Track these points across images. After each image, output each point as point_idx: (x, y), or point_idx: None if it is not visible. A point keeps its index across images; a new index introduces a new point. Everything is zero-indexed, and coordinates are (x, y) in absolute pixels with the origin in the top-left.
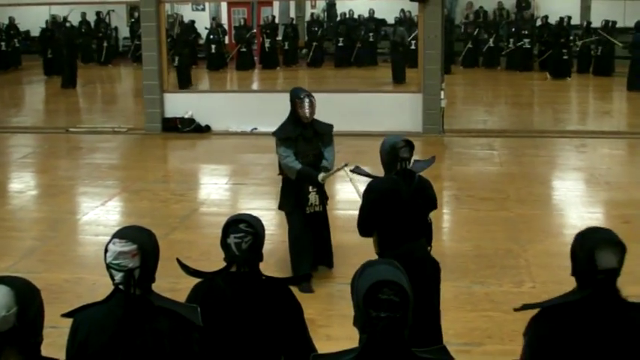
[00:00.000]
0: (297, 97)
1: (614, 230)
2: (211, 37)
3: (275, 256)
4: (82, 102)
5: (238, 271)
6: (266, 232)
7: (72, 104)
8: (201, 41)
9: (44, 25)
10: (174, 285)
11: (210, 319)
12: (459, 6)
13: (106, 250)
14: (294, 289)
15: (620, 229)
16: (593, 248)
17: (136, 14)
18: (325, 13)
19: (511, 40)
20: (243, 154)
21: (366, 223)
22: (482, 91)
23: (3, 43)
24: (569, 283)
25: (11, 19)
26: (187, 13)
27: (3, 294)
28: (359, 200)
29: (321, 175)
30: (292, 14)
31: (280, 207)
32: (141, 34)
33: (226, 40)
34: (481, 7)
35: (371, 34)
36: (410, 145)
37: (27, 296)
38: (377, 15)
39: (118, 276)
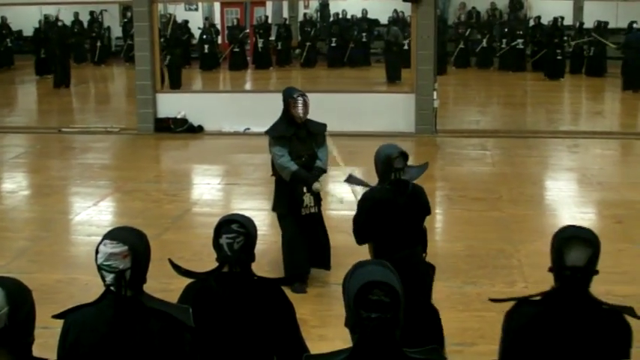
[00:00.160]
0: (290, 96)
1: (606, 230)
2: (204, 37)
3: (267, 257)
4: (74, 102)
5: (230, 272)
6: (258, 232)
7: (64, 104)
8: (194, 41)
9: (37, 25)
10: (167, 285)
11: (202, 319)
12: (451, 6)
13: (96, 252)
14: (288, 291)
15: (613, 229)
16: (561, 245)
17: (129, 14)
18: (318, 14)
19: (504, 41)
20: (236, 155)
21: (362, 231)
22: (475, 92)
23: None
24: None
25: (3, 19)
26: (180, 13)
27: None
28: (353, 200)
29: (316, 185)
30: (285, 14)
31: (274, 208)
32: (133, 34)
33: (219, 40)
34: (474, 8)
35: (364, 34)
36: (404, 156)
37: (18, 296)
38: (370, 15)
39: (109, 277)
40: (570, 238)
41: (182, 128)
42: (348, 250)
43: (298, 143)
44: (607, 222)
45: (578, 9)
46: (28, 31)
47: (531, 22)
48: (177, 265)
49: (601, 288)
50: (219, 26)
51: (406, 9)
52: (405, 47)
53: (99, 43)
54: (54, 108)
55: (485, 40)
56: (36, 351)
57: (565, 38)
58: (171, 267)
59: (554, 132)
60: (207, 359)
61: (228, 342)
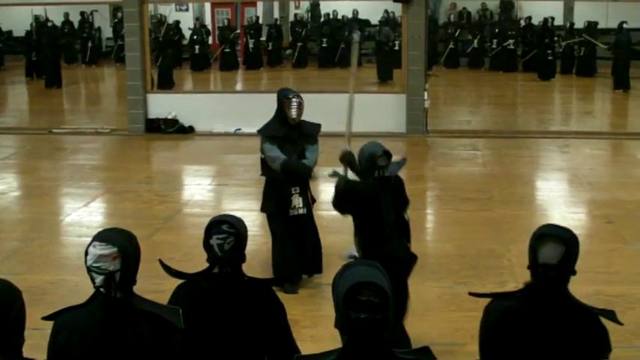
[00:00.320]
0: (285, 97)
1: (597, 230)
2: (195, 37)
3: (258, 257)
4: (65, 103)
5: (221, 272)
6: (249, 233)
7: (55, 105)
8: (185, 42)
9: (28, 26)
10: (158, 286)
11: (192, 320)
12: (442, 7)
13: (86, 253)
14: (279, 291)
15: (603, 229)
16: (535, 243)
17: (119, 14)
18: (309, 14)
19: (495, 41)
20: (227, 155)
21: (340, 207)
22: (466, 92)
23: None
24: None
25: None
26: (171, 13)
27: None
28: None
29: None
30: (276, 15)
31: (262, 209)
32: (124, 35)
33: (210, 41)
34: (464, 9)
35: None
36: (388, 155)
37: (8, 297)
38: (361, 16)
39: (99, 279)
40: (543, 235)
41: (173, 129)
42: (338, 251)
43: (289, 145)
44: (598, 222)
45: (568, 9)
46: (19, 32)
47: (522, 23)
48: (167, 265)
49: (592, 288)
50: (209, 27)
51: (397, 9)
52: (396, 47)
53: (90, 44)
54: (44, 109)
55: (476, 41)
56: (26, 352)
57: (556, 39)
58: (161, 268)
59: (544, 132)
60: None
61: (219, 343)
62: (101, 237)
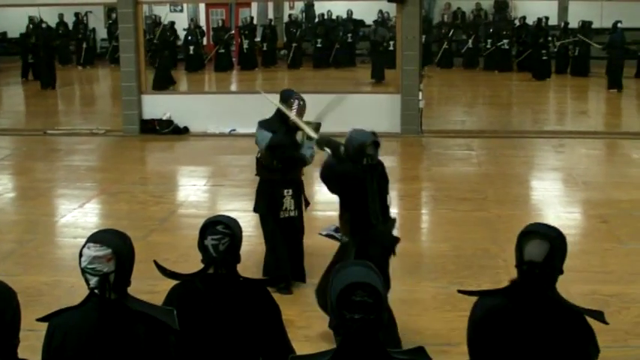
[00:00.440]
0: (289, 97)
1: (592, 230)
2: (189, 38)
3: (253, 258)
4: (60, 104)
5: (216, 273)
6: (244, 233)
7: (50, 106)
8: (179, 42)
9: (24, 28)
10: (153, 287)
11: (187, 321)
12: (437, 7)
13: (80, 255)
14: (274, 292)
15: (598, 228)
16: (521, 240)
17: (114, 15)
18: (303, 14)
19: (489, 41)
20: (222, 156)
21: (330, 186)
22: (461, 92)
23: None
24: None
25: None
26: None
27: None
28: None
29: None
30: (270, 15)
31: (255, 209)
32: (118, 36)
33: (204, 42)
34: (459, 9)
35: (349, 34)
36: (376, 144)
37: (3, 298)
38: (355, 16)
39: (93, 280)
40: (529, 233)
41: (167, 130)
42: (334, 251)
43: (287, 143)
44: (593, 221)
45: (562, 9)
46: (13, 33)
47: (516, 23)
48: (162, 266)
49: (587, 287)
50: (204, 27)
51: (391, 9)
52: (391, 48)
53: (84, 45)
54: (39, 110)
55: (470, 41)
56: (21, 353)
57: (550, 38)
58: (156, 269)
59: (539, 132)
60: None
61: (214, 343)
62: (95, 238)
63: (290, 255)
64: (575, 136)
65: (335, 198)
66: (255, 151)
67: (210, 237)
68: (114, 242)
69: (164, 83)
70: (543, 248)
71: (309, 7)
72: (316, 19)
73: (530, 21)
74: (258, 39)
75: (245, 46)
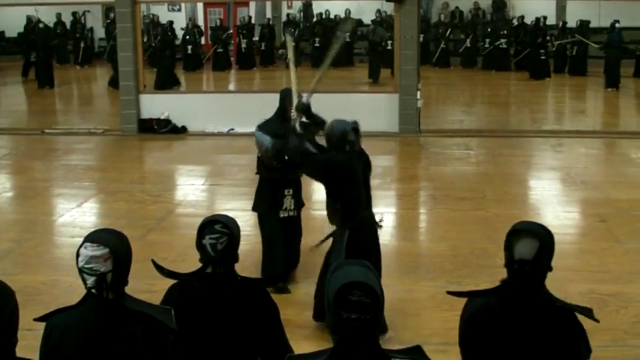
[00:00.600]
0: (288, 96)
1: (591, 229)
2: (187, 37)
3: (251, 257)
4: (57, 103)
5: (214, 272)
6: (242, 232)
7: (48, 105)
8: (178, 42)
9: (22, 28)
10: (151, 287)
11: (185, 320)
12: (434, 6)
13: (77, 255)
14: (272, 292)
15: (597, 228)
16: (510, 239)
17: (112, 15)
18: (301, 14)
19: (487, 41)
20: (220, 155)
21: (315, 174)
22: (459, 92)
23: None
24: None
25: None
26: (163, 13)
27: None
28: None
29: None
30: (268, 15)
31: (254, 208)
32: (116, 35)
33: (202, 41)
34: (457, 8)
35: (347, 34)
36: (356, 130)
37: (2, 297)
38: (353, 15)
39: (90, 280)
40: (518, 231)
41: (166, 129)
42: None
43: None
44: (591, 221)
45: (560, 8)
46: (11, 33)
47: (515, 22)
48: (160, 266)
49: (586, 287)
50: (202, 27)
51: (389, 9)
52: (389, 47)
53: (82, 44)
54: (37, 109)
55: (468, 40)
56: (19, 352)
57: (548, 38)
58: (154, 268)
59: (538, 131)
60: None
61: (212, 343)
62: (92, 238)
63: (290, 252)
64: (573, 135)
65: None
66: (255, 151)
67: (209, 236)
68: (111, 242)
69: (169, 83)
70: (533, 246)
71: (307, 7)
72: (314, 19)
73: (528, 20)
74: (256, 38)
75: (243, 45)
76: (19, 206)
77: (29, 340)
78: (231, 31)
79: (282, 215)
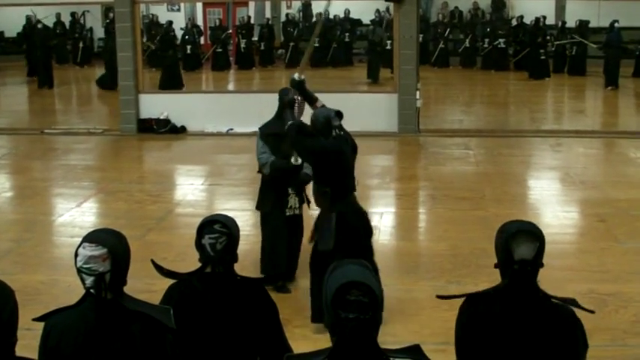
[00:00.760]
0: (285, 96)
1: (590, 229)
2: (187, 37)
3: (250, 257)
4: (57, 103)
5: (213, 272)
6: (241, 232)
7: (47, 105)
8: (177, 42)
9: (21, 28)
10: (150, 286)
11: (185, 320)
12: (434, 6)
13: (76, 254)
14: (271, 290)
15: (596, 227)
16: (508, 239)
17: (111, 15)
18: (301, 14)
19: (486, 40)
20: (219, 155)
21: (305, 156)
22: (458, 91)
23: None
24: (544, 282)
25: None
26: (162, 13)
27: None
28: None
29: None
30: (268, 14)
31: (258, 207)
32: (116, 35)
33: (202, 41)
34: (456, 8)
35: (347, 34)
36: (340, 115)
37: (1, 297)
38: (352, 15)
39: (89, 280)
40: (517, 232)
41: (165, 129)
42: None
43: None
44: (590, 221)
45: (560, 8)
46: (10, 33)
47: (514, 22)
48: (159, 265)
49: (585, 286)
50: (201, 27)
51: (382, 6)
52: (388, 47)
53: (81, 44)
54: (37, 109)
55: (467, 40)
56: (19, 352)
57: (548, 38)
58: (153, 268)
59: (537, 131)
60: None
61: (211, 342)
62: (91, 238)
63: (293, 251)
64: (572, 135)
65: None
66: (254, 150)
67: (208, 236)
68: (109, 241)
69: (174, 85)
70: (533, 246)
71: (306, 7)
72: (313, 19)
73: (527, 20)
74: (255, 38)
75: (242, 45)
76: (19, 206)
77: (28, 339)
78: (231, 31)
79: (288, 214)
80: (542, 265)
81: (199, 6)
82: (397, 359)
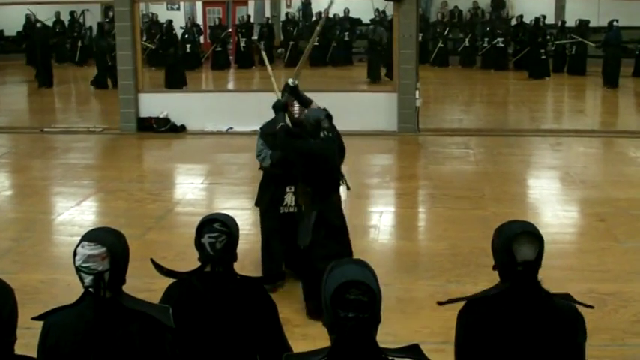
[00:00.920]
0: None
1: (590, 229)
2: (186, 36)
3: (250, 256)
4: (57, 102)
5: (213, 271)
6: (241, 231)
7: (47, 104)
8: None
9: (21, 27)
10: (150, 285)
11: (184, 319)
12: (433, 5)
13: (75, 253)
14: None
15: (596, 227)
16: (510, 240)
17: (111, 14)
18: (300, 13)
19: (486, 40)
20: (219, 154)
21: (293, 157)
22: (458, 91)
23: None
24: (544, 281)
25: None
26: (162, 12)
27: None
28: None
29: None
30: (267, 14)
31: (257, 203)
32: (115, 34)
33: (201, 40)
34: (456, 7)
35: (346, 33)
36: (330, 117)
37: (1, 295)
38: (352, 14)
39: (88, 279)
40: (520, 233)
41: (165, 128)
42: None
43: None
44: (590, 220)
45: (560, 7)
46: (10, 32)
47: (513, 21)
48: (159, 264)
49: (585, 286)
50: (201, 26)
51: (388, 8)
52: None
53: (79, 44)
54: (36, 108)
55: (467, 39)
56: (18, 351)
57: (548, 37)
58: (153, 267)
59: (537, 130)
60: (190, 359)
61: (211, 341)
62: (90, 237)
63: (288, 248)
64: (572, 134)
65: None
66: (254, 150)
67: (207, 235)
68: (108, 240)
69: (178, 83)
70: (534, 246)
71: (306, 6)
72: (313, 18)
73: (527, 19)
74: (255, 37)
75: (242, 44)
76: (18, 205)
77: (28, 338)
78: (230, 30)
79: (282, 211)
80: (540, 264)
81: (199, 5)
82: (396, 358)
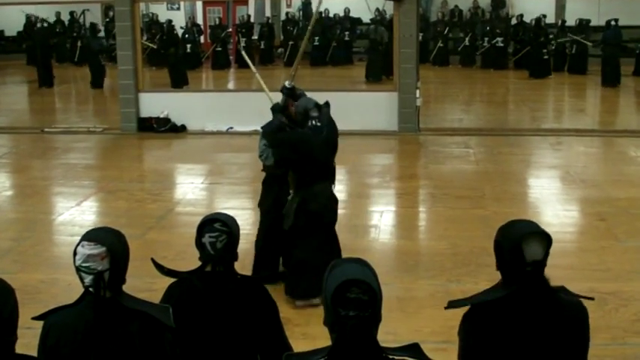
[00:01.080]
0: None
1: (590, 228)
2: (186, 36)
3: (250, 256)
4: (57, 102)
5: (213, 271)
6: (242, 231)
7: (47, 104)
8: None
9: (21, 27)
10: (151, 285)
11: (185, 318)
12: (434, 5)
13: (75, 253)
14: (271, 289)
15: (596, 226)
16: (519, 240)
17: (111, 13)
18: (301, 12)
19: (486, 39)
20: (219, 154)
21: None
22: (458, 90)
23: None
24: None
25: None
26: (162, 12)
27: None
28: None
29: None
30: (268, 13)
31: (260, 204)
32: (115, 34)
33: (202, 40)
34: (456, 6)
35: (346, 32)
36: (318, 107)
37: (1, 295)
38: (352, 14)
39: (88, 279)
40: (529, 233)
41: (165, 128)
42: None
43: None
44: (590, 219)
45: (560, 7)
46: (10, 32)
47: (514, 21)
48: (160, 264)
49: (585, 285)
50: (201, 25)
51: (388, 8)
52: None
53: (79, 43)
54: (36, 108)
55: (467, 39)
56: (19, 350)
57: (551, 37)
58: (154, 267)
59: (537, 130)
60: (191, 359)
61: (211, 341)
62: (89, 236)
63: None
64: (572, 133)
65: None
66: (254, 149)
67: (208, 235)
68: (108, 240)
69: (180, 82)
70: (542, 245)
71: (306, 5)
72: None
73: (527, 19)
74: (255, 37)
75: (242, 44)
76: (19, 205)
77: (28, 338)
78: (231, 29)
79: (284, 212)
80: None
81: (199, 5)
82: (397, 357)
